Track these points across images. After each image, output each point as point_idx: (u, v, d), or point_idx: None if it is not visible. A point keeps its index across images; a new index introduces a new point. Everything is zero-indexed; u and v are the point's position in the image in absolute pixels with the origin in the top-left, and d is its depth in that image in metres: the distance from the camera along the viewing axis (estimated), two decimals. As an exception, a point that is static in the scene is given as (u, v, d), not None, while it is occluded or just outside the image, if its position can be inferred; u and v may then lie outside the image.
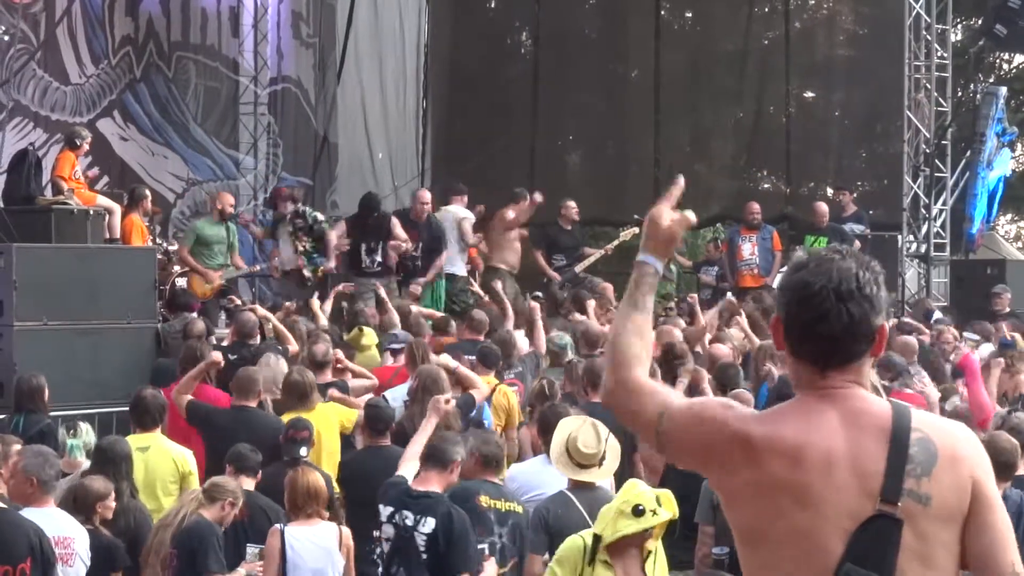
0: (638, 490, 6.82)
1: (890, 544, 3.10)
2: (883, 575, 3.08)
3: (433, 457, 7.70)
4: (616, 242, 18.43)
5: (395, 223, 16.51)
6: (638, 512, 6.67)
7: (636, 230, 18.70)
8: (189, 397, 10.15)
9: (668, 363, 10.99)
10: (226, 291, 16.05)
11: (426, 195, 17.30)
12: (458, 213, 17.70)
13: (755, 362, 11.89)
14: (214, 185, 20.83)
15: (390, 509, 7.56)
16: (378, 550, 8.14)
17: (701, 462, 3.34)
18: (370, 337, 12.75)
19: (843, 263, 3.25)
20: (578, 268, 18.22)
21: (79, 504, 7.77)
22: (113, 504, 7.94)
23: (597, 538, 6.73)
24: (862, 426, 3.18)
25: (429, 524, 7.48)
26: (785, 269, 3.51)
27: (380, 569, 7.59)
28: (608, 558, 6.70)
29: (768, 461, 3.18)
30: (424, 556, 7.46)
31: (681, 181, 3.67)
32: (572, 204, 18.35)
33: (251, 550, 7.98)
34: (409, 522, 7.50)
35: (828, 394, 3.23)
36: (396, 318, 13.46)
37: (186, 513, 7.76)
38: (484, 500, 8.02)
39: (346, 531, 8.09)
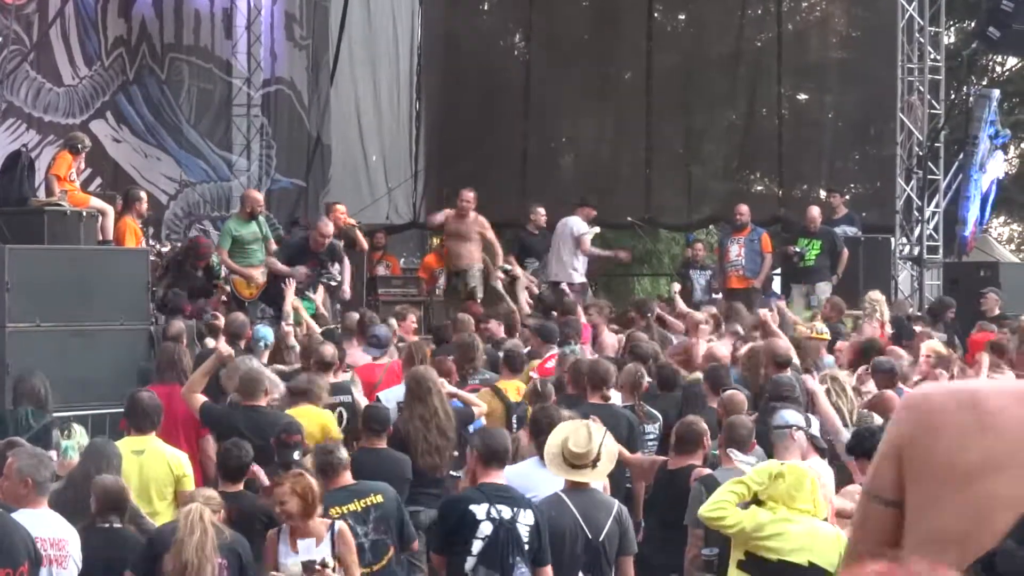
0: None
1: None
2: None
3: (497, 456, 7.83)
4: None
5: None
6: None
7: (598, 229, 18.79)
8: (203, 398, 10.12)
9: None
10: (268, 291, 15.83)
11: (328, 228, 15.90)
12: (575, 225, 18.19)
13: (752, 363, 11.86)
14: (207, 187, 20.85)
15: (485, 507, 7.60)
16: None
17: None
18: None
19: None
20: None
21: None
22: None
23: None
24: None
25: (529, 516, 7.60)
26: None
27: (472, 564, 7.55)
28: None
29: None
30: (527, 547, 7.58)
31: None
32: (541, 210, 18.73)
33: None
34: (507, 516, 7.57)
35: None
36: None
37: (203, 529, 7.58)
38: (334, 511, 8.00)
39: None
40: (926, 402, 3.20)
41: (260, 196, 16.62)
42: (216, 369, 10.42)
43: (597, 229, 18.69)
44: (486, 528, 7.55)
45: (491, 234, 17.39)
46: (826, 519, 7.31)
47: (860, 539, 3.18)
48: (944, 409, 3.14)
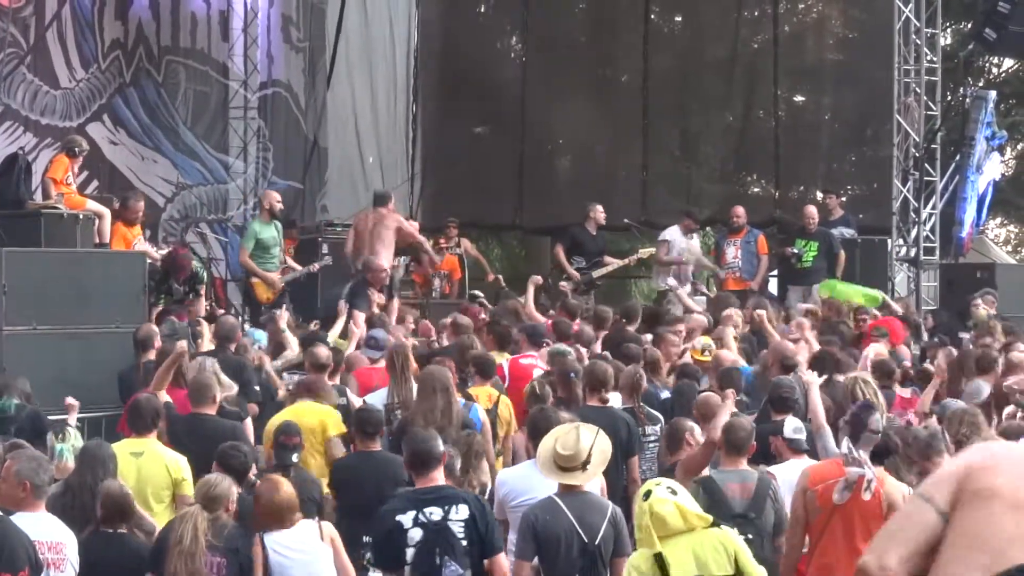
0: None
1: None
2: None
3: (426, 462, 7.75)
4: (636, 256, 18.66)
5: None
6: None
7: (653, 249, 18.78)
8: (167, 398, 10.05)
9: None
10: (282, 297, 15.81)
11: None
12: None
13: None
14: (204, 189, 20.83)
15: (411, 514, 7.56)
16: (367, 555, 8.17)
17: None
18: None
19: None
20: (595, 274, 18.27)
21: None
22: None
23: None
24: None
25: (463, 511, 7.55)
26: None
27: (408, 567, 7.53)
28: None
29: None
30: (464, 543, 7.53)
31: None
32: (600, 208, 18.47)
33: None
34: (437, 516, 7.52)
35: None
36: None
37: (194, 537, 7.57)
38: None
39: (325, 524, 8.08)
40: (997, 444, 3.54)
41: (277, 194, 17.04)
42: (176, 364, 10.40)
43: (653, 249, 18.64)
44: (416, 534, 7.51)
45: None
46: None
47: (900, 527, 3.46)
48: (1012, 455, 3.46)
